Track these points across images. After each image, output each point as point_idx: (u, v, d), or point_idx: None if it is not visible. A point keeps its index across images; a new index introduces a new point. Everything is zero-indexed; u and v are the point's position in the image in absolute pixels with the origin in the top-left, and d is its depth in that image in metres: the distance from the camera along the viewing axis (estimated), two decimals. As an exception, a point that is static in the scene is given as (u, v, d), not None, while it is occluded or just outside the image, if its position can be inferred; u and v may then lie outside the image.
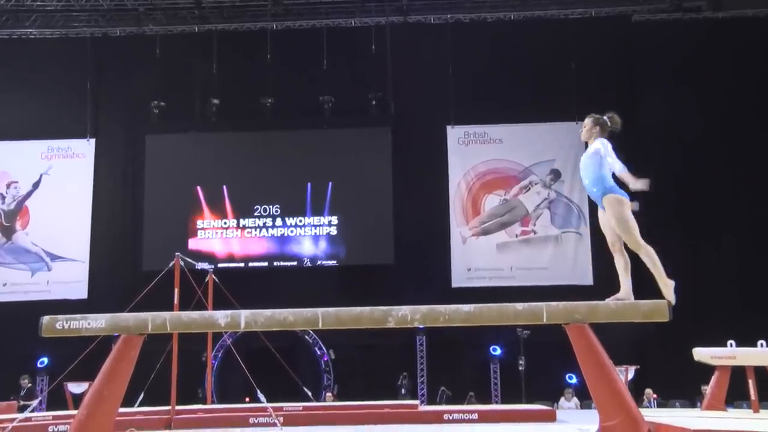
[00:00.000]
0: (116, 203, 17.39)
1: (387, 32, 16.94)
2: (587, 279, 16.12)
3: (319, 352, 16.12)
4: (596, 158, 5.63)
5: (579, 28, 16.77)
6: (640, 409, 5.16)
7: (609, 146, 5.73)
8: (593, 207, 17.12)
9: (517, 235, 16.77)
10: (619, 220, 5.49)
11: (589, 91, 16.61)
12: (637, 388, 13.16)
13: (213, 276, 10.24)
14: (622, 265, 5.57)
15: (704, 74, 16.34)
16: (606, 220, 5.64)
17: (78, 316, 5.38)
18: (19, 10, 17.04)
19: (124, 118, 17.73)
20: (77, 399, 12.70)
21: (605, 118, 5.90)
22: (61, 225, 16.82)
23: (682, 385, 13.59)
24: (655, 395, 13.53)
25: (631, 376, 12.82)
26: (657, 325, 5.48)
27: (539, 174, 16.85)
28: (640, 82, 16.95)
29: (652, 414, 6.65)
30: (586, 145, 5.93)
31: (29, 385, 14.65)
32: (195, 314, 5.67)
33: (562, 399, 14.28)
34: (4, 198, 17.18)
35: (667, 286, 5.31)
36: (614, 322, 5.25)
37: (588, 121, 5.94)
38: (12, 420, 7.65)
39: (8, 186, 17.20)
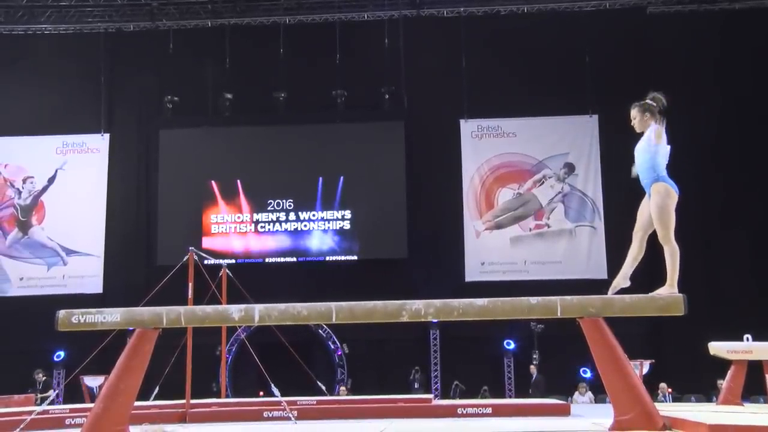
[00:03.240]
0: (130, 198, 17.49)
1: (400, 26, 16.91)
2: (602, 273, 16.01)
3: (332, 347, 16.16)
4: (647, 146, 5.55)
5: (593, 20, 16.66)
6: (655, 404, 5.12)
7: (662, 132, 5.67)
8: (608, 201, 17.18)
9: (530, 229, 16.72)
10: (661, 210, 5.44)
11: (603, 84, 16.55)
12: (651, 382, 13.07)
13: (227, 270, 10.26)
14: (634, 254, 5.54)
15: (721, 67, 16.21)
16: (646, 206, 5.58)
17: (93, 310, 5.41)
18: (34, 6, 17.13)
19: (137, 113, 17.83)
20: (94, 392, 12.80)
21: (648, 101, 5.76)
22: (77, 220, 16.94)
23: (698, 379, 13.52)
24: (670, 390, 13.47)
25: (646, 370, 12.75)
26: (672, 319, 5.44)
27: (553, 167, 16.78)
28: (654, 75, 16.80)
29: (668, 408, 6.61)
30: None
31: (44, 378, 14.78)
32: (209, 308, 5.69)
33: (577, 393, 14.24)
34: (20, 193, 17.31)
35: (673, 288, 5.25)
36: (629, 316, 5.22)
37: (635, 112, 5.91)
38: (30, 413, 7.70)
39: (24, 181, 17.34)
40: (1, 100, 17.31)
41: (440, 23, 17.19)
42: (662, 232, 5.42)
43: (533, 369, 14.91)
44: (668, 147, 5.63)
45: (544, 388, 14.54)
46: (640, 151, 5.62)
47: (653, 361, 13.29)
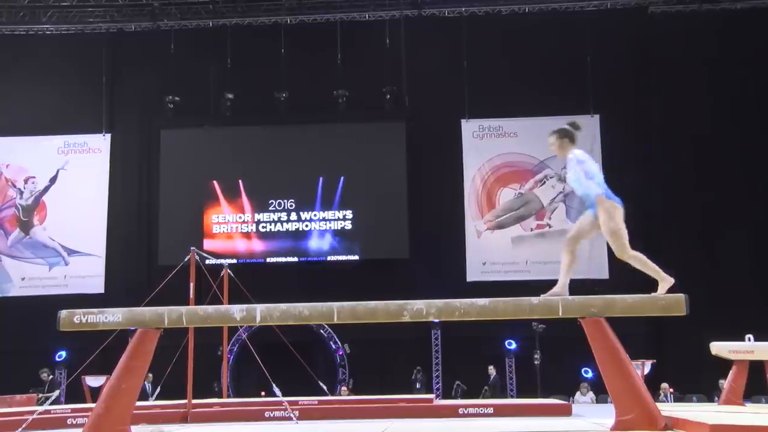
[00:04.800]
0: (132, 198, 17.49)
1: (401, 26, 16.91)
2: (603, 273, 16.00)
3: (334, 347, 16.16)
4: (577, 168, 5.53)
5: (594, 20, 16.66)
6: (657, 404, 5.12)
7: (584, 154, 5.61)
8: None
9: (532, 229, 16.72)
10: (612, 229, 5.51)
11: (604, 84, 16.55)
12: (653, 382, 13.07)
13: (228, 270, 10.26)
14: (566, 263, 5.53)
15: (722, 67, 16.19)
16: (587, 218, 5.57)
17: (95, 310, 5.41)
18: (36, 6, 17.15)
19: (139, 113, 17.84)
20: (95, 392, 12.81)
21: (566, 127, 5.80)
22: (78, 220, 16.96)
23: (699, 379, 13.50)
24: (671, 389, 13.46)
25: (647, 370, 12.74)
26: (674, 319, 5.44)
27: (554, 168, 16.77)
28: (656, 75, 16.82)
29: (669, 408, 6.61)
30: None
31: (50, 377, 14.80)
32: (211, 308, 5.69)
33: (578, 393, 14.24)
34: (22, 193, 17.32)
35: (665, 281, 5.24)
36: (631, 316, 5.22)
37: (553, 139, 5.81)
38: (32, 412, 7.72)
39: (26, 181, 17.35)
40: (2, 101, 17.33)
41: (442, 23, 17.19)
42: (618, 250, 5.55)
43: (491, 369, 15.17)
44: (597, 164, 5.63)
45: (500, 389, 14.82)
46: (573, 180, 5.63)
47: (655, 361, 13.29)
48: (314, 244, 16.85)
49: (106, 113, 17.54)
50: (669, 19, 16.67)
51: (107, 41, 17.64)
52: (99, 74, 17.41)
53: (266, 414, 8.66)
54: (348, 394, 14.36)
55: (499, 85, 16.64)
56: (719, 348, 8.05)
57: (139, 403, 5.93)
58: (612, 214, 5.44)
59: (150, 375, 13.32)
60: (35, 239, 17.16)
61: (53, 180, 17.37)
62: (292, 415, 8.12)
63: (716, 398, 12.22)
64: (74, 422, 7.99)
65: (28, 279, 16.96)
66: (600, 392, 13.55)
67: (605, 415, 5.63)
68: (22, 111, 17.32)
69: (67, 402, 12.89)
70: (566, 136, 5.77)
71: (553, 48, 16.68)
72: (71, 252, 17.05)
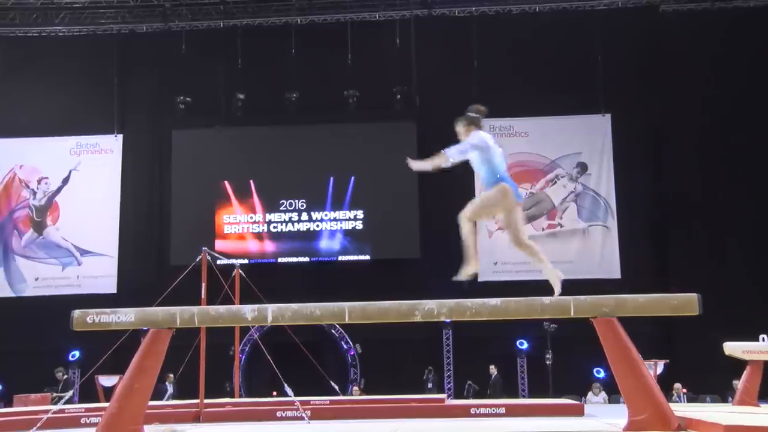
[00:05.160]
0: (143, 198, 17.56)
1: (411, 26, 16.90)
2: (615, 273, 15.97)
3: (345, 347, 16.17)
4: (481, 154, 5.82)
5: (605, 19, 16.60)
6: (670, 404, 5.10)
7: (484, 140, 5.84)
8: (621, 200, 17.08)
9: (543, 229, 16.68)
10: (484, 199, 5.90)
11: (615, 83, 16.50)
12: (666, 382, 12.99)
13: (240, 271, 10.29)
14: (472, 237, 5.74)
15: (734, 65, 16.09)
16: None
17: (108, 310, 5.44)
18: (49, 8, 17.26)
19: (150, 113, 17.90)
20: (108, 392, 12.88)
21: (470, 114, 6.03)
22: (90, 220, 17.04)
23: (713, 379, 13.41)
24: (684, 390, 13.38)
25: (660, 370, 12.67)
26: (687, 319, 5.41)
27: (565, 167, 16.74)
28: (667, 74, 16.72)
29: (682, 408, 6.57)
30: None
31: (65, 377, 14.91)
32: (222, 308, 5.71)
33: (590, 393, 14.20)
34: (35, 194, 17.43)
35: (551, 269, 5.61)
36: (643, 316, 5.20)
37: (459, 126, 6.06)
38: (46, 411, 7.77)
39: (39, 182, 17.46)
40: (15, 102, 17.43)
41: (452, 23, 17.17)
42: (468, 209, 5.91)
43: (492, 369, 15.16)
44: (501, 149, 5.88)
45: (502, 389, 14.79)
46: (477, 162, 5.90)
47: (667, 361, 13.20)
48: (325, 244, 16.88)
49: (118, 114, 17.63)
50: (680, 17, 16.60)
51: (119, 42, 17.73)
52: (111, 75, 17.50)
53: (278, 414, 8.68)
54: (359, 394, 14.36)
55: (510, 85, 16.60)
56: (733, 348, 8.00)
57: (151, 403, 5.95)
58: (495, 196, 5.81)
59: (171, 375, 13.44)
60: (48, 239, 17.26)
61: (66, 180, 17.46)
62: (304, 414, 8.13)
63: (730, 399, 12.15)
64: (88, 421, 8.05)
65: (42, 279, 17.06)
66: (612, 392, 13.50)
67: (618, 416, 5.61)
68: (35, 112, 17.43)
69: (80, 401, 12.97)
70: (472, 123, 6.02)
71: (564, 47, 16.64)
72: (84, 252, 17.14)
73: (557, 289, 5.44)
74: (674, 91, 16.47)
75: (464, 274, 5.57)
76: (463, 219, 5.78)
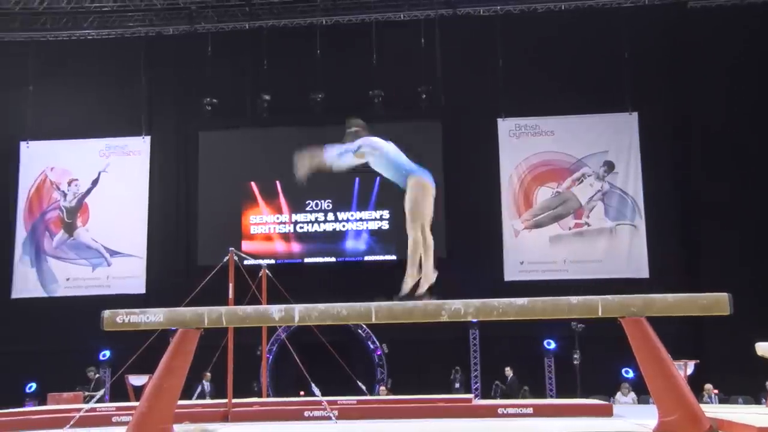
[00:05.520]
0: (171, 199, 17.72)
1: (436, 25, 16.88)
2: (643, 272, 15.83)
3: (372, 346, 16.19)
4: (380, 156, 5.98)
5: (632, 16, 16.47)
6: (701, 405, 5.04)
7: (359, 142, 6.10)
8: (649, 199, 16.90)
9: (570, 228, 16.57)
10: (413, 203, 5.90)
11: (642, 80, 16.33)
12: (696, 383, 12.83)
13: (266, 271, 10.34)
14: (421, 246, 5.82)
15: (764, 63, 15.86)
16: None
17: (137, 310, 5.49)
18: (78, 12, 17.50)
19: (177, 115, 18.06)
20: (138, 391, 13.03)
21: (349, 130, 6.40)
22: (119, 221, 17.25)
23: (745, 381, 13.22)
24: (715, 391, 13.21)
25: (690, 371, 12.52)
26: (717, 319, 5.35)
27: (592, 166, 16.61)
28: (695, 71, 16.52)
29: (714, 410, 6.49)
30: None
31: (96, 375, 15.11)
32: (250, 309, 5.74)
33: (619, 393, 14.07)
34: (65, 195, 17.67)
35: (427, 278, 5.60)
36: (672, 316, 5.14)
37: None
38: (78, 410, 7.88)
39: (69, 184, 17.70)
40: (46, 105, 17.67)
41: (476, 22, 17.12)
42: (411, 223, 5.90)
43: (508, 371, 15.12)
44: (392, 144, 6.07)
45: (518, 389, 14.74)
46: (378, 166, 6.11)
47: (698, 361, 13.04)
48: (351, 244, 16.91)
49: (146, 116, 17.81)
50: (708, 13, 16.40)
51: (146, 45, 17.92)
52: (138, 77, 17.70)
53: (305, 413, 8.71)
54: (387, 394, 14.37)
55: (535, 84, 16.51)
56: (765, 349, 7.88)
57: (180, 402, 6.01)
58: (416, 191, 5.92)
59: (208, 374, 13.58)
60: (79, 240, 17.49)
61: (95, 182, 17.68)
62: (331, 414, 8.15)
63: (764, 400, 12.00)
64: (119, 420, 8.14)
65: (73, 279, 17.29)
66: (641, 392, 13.38)
67: (647, 416, 5.56)
68: (66, 115, 17.66)
69: (111, 400, 13.13)
70: (357, 136, 6.26)
71: (590, 45, 16.51)
72: (113, 253, 17.34)
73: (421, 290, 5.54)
74: (702, 88, 16.26)
75: (406, 287, 5.65)
76: (409, 230, 5.90)
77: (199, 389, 13.96)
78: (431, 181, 5.82)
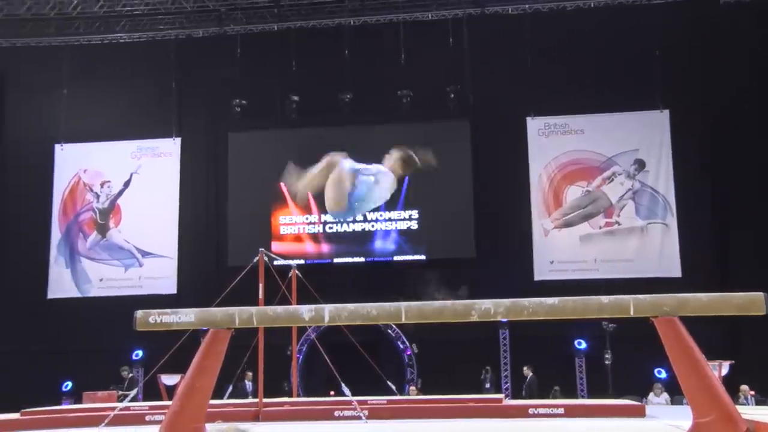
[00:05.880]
0: (201, 200, 17.88)
1: (464, 24, 16.84)
2: (675, 271, 15.63)
3: (401, 346, 16.20)
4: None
5: (663, 12, 16.26)
6: (737, 407, 4.96)
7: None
8: (680, 197, 16.67)
9: (600, 227, 16.42)
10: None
11: (674, 78, 16.13)
12: (732, 384, 12.65)
13: (296, 271, 10.39)
14: None
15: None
16: None
17: (169, 310, 5.53)
18: (110, 16, 17.76)
19: (207, 116, 18.22)
20: (170, 390, 13.17)
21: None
22: (151, 222, 17.45)
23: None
24: (752, 392, 13.00)
25: (725, 371, 12.35)
26: (753, 319, 5.26)
27: (623, 164, 16.45)
28: (728, 68, 16.26)
29: (751, 411, 6.39)
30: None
31: (130, 375, 15.32)
32: (280, 309, 5.76)
33: (651, 394, 13.92)
34: (98, 197, 17.92)
35: None
36: (706, 315, 5.07)
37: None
38: (112, 409, 7.99)
39: (102, 185, 17.94)
40: (80, 108, 17.93)
41: (505, 20, 17.04)
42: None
43: (526, 370, 15.06)
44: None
45: (537, 389, 14.67)
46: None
47: (733, 362, 12.86)
48: (380, 244, 16.93)
49: (176, 117, 18.00)
50: (741, 8, 16.12)
51: (176, 47, 18.11)
52: (168, 80, 17.89)
53: (336, 413, 8.73)
54: (417, 394, 14.37)
55: (565, 82, 16.40)
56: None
57: (212, 402, 6.06)
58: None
59: (249, 373, 13.74)
60: (111, 241, 17.73)
61: (127, 184, 17.90)
62: (361, 414, 8.17)
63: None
64: (152, 419, 8.24)
65: (106, 280, 17.52)
66: (675, 393, 13.21)
67: (681, 417, 5.50)
68: (99, 117, 17.91)
69: (144, 399, 13.29)
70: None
71: (620, 42, 16.34)
72: (145, 254, 17.55)
73: None
74: (735, 85, 16.01)
75: None
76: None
77: (230, 389, 14.08)
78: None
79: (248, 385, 14.37)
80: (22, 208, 17.93)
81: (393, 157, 5.88)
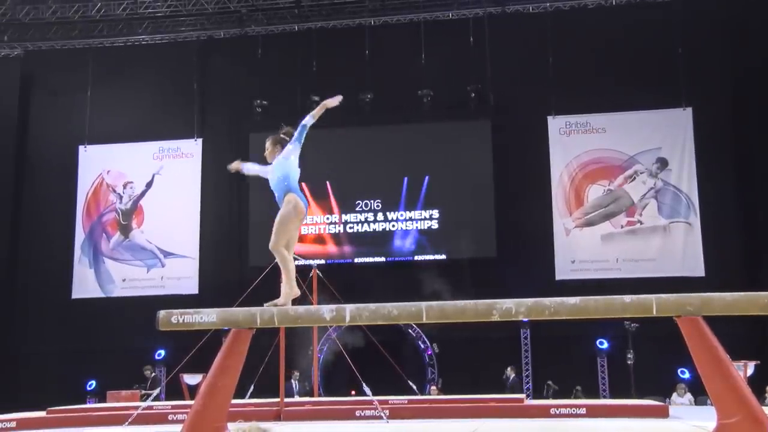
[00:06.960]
0: (223, 200, 17.97)
1: (485, 23, 16.78)
2: (698, 270, 15.47)
3: (422, 346, 16.18)
4: (283, 161, 6.23)
5: (685, 9, 16.07)
6: (763, 408, 4.91)
7: (289, 147, 6.34)
8: (704, 196, 16.48)
9: (622, 226, 16.30)
10: (281, 218, 5.91)
11: (696, 75, 15.98)
12: (758, 385, 12.49)
13: (317, 271, 10.42)
14: (289, 268, 5.80)
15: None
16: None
17: (191, 310, 5.58)
18: (133, 18, 17.92)
19: (228, 117, 18.30)
20: (192, 389, 13.26)
21: (281, 135, 6.52)
22: (173, 223, 17.56)
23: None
24: (778, 393, 12.84)
25: (750, 372, 12.19)
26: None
27: (645, 163, 16.30)
28: (752, 65, 16.07)
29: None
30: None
31: (153, 374, 15.44)
32: (301, 309, 5.80)
33: (675, 394, 13.80)
34: (121, 198, 18.07)
35: (291, 289, 5.66)
36: (730, 315, 5.02)
37: (268, 144, 6.51)
38: (136, 408, 8.07)
39: (125, 186, 18.09)
40: (103, 109, 18.08)
41: (526, 19, 16.96)
42: (273, 239, 5.86)
43: (509, 371, 15.03)
44: (299, 170, 6.29)
45: (520, 389, 14.65)
46: (275, 167, 6.23)
47: (758, 362, 12.70)
48: (401, 243, 16.92)
49: (198, 118, 18.11)
50: (765, 5, 15.89)
51: (198, 49, 18.22)
52: (190, 81, 17.99)
53: (357, 413, 8.76)
54: (438, 394, 14.35)
55: (586, 80, 16.30)
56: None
57: (233, 401, 6.10)
58: (289, 208, 5.95)
59: (296, 372, 13.83)
60: (134, 242, 17.87)
61: (149, 185, 18.03)
62: (382, 414, 8.18)
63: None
64: (175, 418, 8.31)
65: (129, 280, 17.67)
66: (698, 393, 13.08)
67: (705, 418, 5.45)
68: (122, 119, 18.05)
69: (166, 398, 13.40)
70: (279, 143, 6.49)
71: (642, 40, 16.20)
72: (167, 254, 17.67)
73: (281, 301, 5.63)
74: (759, 82, 15.81)
75: (285, 298, 5.70)
76: (274, 249, 5.89)
77: (251, 389, 14.14)
78: (305, 207, 5.98)
79: (294, 384, 14.36)
80: (47, 208, 18.13)
81: None
